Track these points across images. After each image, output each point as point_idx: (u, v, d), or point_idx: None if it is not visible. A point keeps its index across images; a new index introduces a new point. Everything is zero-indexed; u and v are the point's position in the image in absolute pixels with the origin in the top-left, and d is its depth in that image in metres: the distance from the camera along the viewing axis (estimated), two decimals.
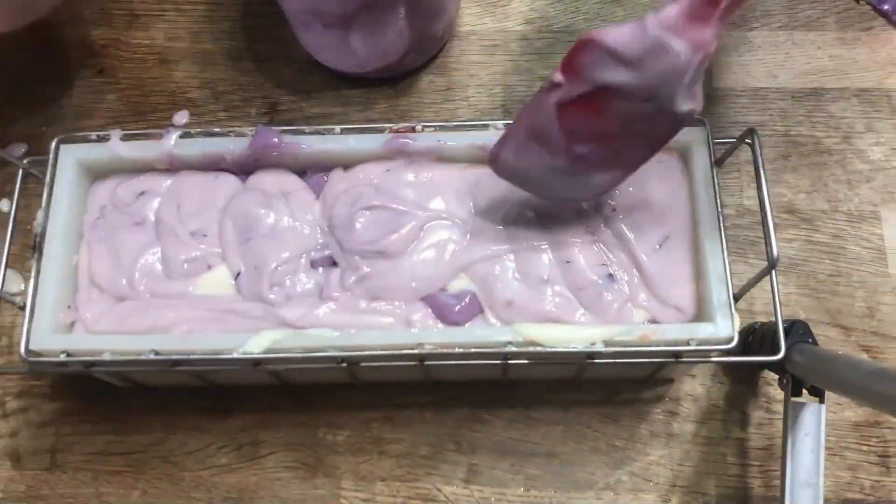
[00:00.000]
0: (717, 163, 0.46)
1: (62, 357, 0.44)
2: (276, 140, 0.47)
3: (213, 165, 0.49)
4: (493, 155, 0.43)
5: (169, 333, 0.45)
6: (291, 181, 0.48)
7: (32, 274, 0.45)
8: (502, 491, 0.51)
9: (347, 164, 0.48)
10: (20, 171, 0.48)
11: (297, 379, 0.51)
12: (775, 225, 0.42)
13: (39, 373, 0.53)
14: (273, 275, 0.46)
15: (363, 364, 0.45)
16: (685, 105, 0.37)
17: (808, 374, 0.45)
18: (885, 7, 0.62)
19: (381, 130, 0.48)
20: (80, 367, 0.44)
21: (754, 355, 0.48)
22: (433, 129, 0.48)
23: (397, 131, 0.47)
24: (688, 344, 0.43)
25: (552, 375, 0.52)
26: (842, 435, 0.51)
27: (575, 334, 0.43)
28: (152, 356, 0.43)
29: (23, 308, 0.45)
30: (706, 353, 0.44)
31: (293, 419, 0.53)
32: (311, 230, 0.47)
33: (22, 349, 0.44)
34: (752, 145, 0.44)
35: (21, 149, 0.60)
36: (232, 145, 0.48)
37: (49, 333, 0.44)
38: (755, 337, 0.49)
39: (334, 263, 0.47)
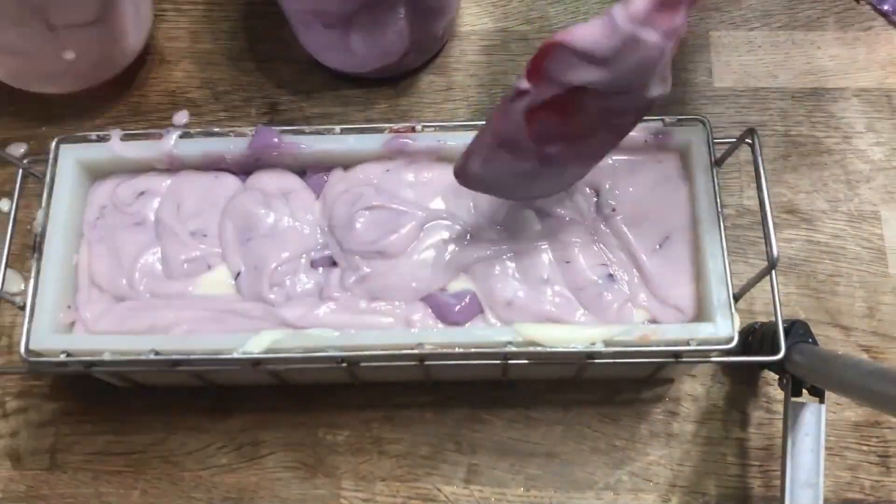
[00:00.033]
0: (717, 163, 0.46)
1: (62, 357, 0.44)
2: (276, 140, 0.47)
3: (213, 165, 0.49)
4: (460, 168, 0.42)
5: (169, 333, 0.45)
6: (291, 181, 0.49)
7: (32, 274, 0.45)
8: (502, 491, 0.51)
9: (347, 164, 0.48)
10: (20, 171, 0.48)
11: (297, 379, 0.51)
12: (775, 225, 0.42)
13: (39, 373, 0.53)
14: (273, 275, 0.46)
15: (363, 364, 0.45)
16: (657, 90, 0.36)
17: (808, 374, 0.45)
18: (885, 7, 0.62)
19: (381, 130, 0.48)
20: (80, 367, 0.44)
21: (754, 355, 0.48)
22: (433, 129, 0.48)
23: (397, 131, 0.47)
24: (688, 344, 0.43)
25: (552, 375, 0.52)
26: (842, 435, 0.51)
27: (575, 334, 0.43)
28: (152, 356, 0.43)
29: (23, 308, 0.45)
30: (706, 353, 0.44)
31: (293, 419, 0.53)
32: (311, 230, 0.47)
33: (22, 349, 0.44)
34: (752, 145, 0.44)
35: (21, 149, 0.60)
36: (232, 145, 0.48)
37: (49, 333, 0.44)
38: (755, 337, 0.49)
39: (334, 263, 0.47)
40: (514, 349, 0.43)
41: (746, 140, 0.45)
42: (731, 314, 0.42)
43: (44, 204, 0.46)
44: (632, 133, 0.46)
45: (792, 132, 0.59)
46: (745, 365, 0.52)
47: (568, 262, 0.46)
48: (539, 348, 0.43)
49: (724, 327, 0.42)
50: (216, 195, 0.48)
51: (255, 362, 0.44)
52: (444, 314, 0.45)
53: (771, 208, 0.42)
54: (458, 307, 0.45)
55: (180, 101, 0.62)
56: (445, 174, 0.48)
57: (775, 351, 0.43)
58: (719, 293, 0.43)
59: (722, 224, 0.44)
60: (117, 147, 0.48)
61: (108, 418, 0.53)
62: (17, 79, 0.59)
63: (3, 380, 0.54)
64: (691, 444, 0.51)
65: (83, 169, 0.48)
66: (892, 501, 0.50)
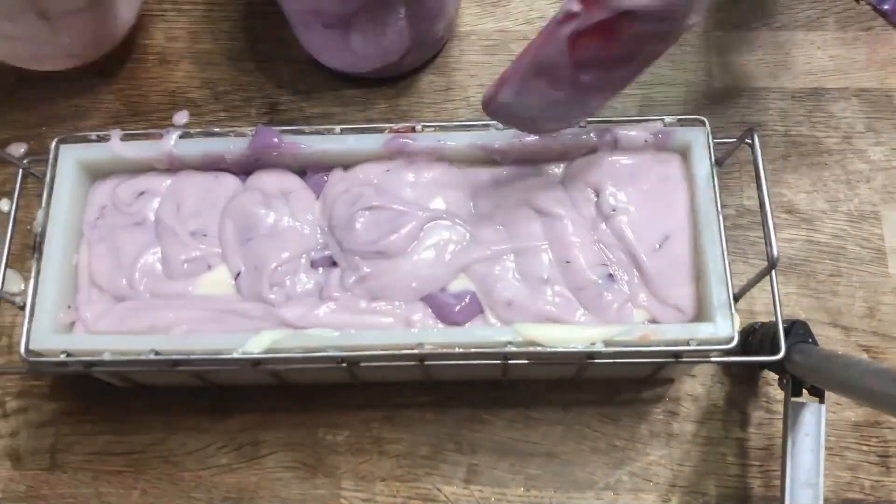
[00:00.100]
0: (717, 163, 0.46)
1: (62, 357, 0.44)
2: (276, 140, 0.47)
3: (213, 165, 0.49)
4: (490, 98, 0.42)
5: (169, 333, 0.45)
6: (291, 181, 0.49)
7: (32, 274, 0.45)
8: (502, 491, 0.51)
9: (347, 164, 0.48)
10: (20, 171, 0.48)
11: (297, 379, 0.51)
12: (775, 225, 0.43)
13: (39, 373, 0.53)
14: (273, 275, 0.46)
15: (363, 364, 0.45)
16: (694, 18, 0.36)
17: (808, 374, 0.45)
18: (885, 7, 0.62)
19: (381, 130, 0.48)
20: (80, 367, 0.44)
21: (754, 355, 0.48)
22: (433, 129, 0.48)
23: (397, 131, 0.47)
24: (688, 344, 0.43)
25: (552, 375, 0.52)
26: (842, 435, 0.51)
27: (575, 334, 0.43)
28: (152, 356, 0.43)
29: (23, 308, 0.45)
30: (706, 353, 0.44)
31: (293, 419, 0.53)
32: (311, 230, 0.47)
33: (22, 349, 0.44)
34: (751, 145, 0.44)
35: (21, 149, 0.60)
36: (232, 145, 0.48)
37: (49, 333, 0.44)
38: (755, 337, 0.49)
39: (334, 263, 0.47)
40: (514, 349, 0.43)
41: (746, 140, 0.45)
42: (731, 314, 0.42)
43: (44, 204, 0.46)
44: (632, 133, 0.47)
45: (792, 132, 0.59)
46: (746, 365, 0.52)
47: (568, 262, 0.46)
48: (539, 348, 0.43)
49: (724, 327, 0.42)
50: (216, 195, 0.48)
51: (255, 362, 0.44)
52: (444, 314, 0.45)
53: (771, 208, 0.42)
54: (458, 307, 0.45)
55: (180, 101, 0.62)
56: (445, 174, 0.48)
57: (775, 351, 0.43)
58: (719, 293, 0.43)
59: (722, 224, 0.44)
60: (117, 147, 0.48)
61: (108, 418, 0.53)
62: (10, 58, 0.60)
63: (3, 380, 0.54)
64: (691, 444, 0.51)
65: (83, 169, 0.48)
66: (892, 501, 0.50)
